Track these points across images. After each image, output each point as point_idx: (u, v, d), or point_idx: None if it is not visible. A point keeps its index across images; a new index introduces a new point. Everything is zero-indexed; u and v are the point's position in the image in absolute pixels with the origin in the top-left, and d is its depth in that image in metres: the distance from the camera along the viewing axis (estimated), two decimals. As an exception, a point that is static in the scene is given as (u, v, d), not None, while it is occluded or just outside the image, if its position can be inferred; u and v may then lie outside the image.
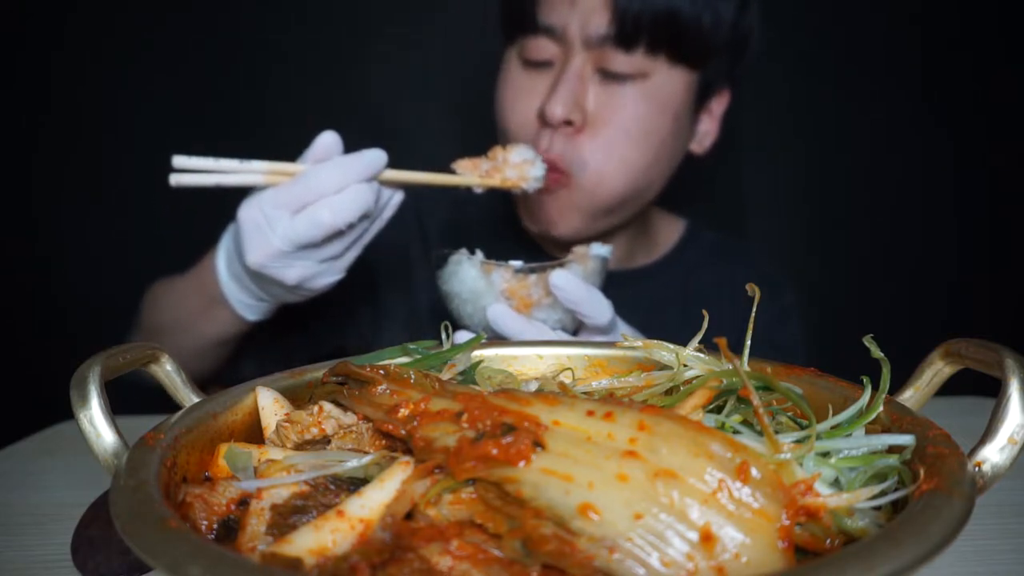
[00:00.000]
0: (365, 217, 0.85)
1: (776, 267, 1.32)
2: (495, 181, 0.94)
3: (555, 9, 1.02)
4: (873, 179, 1.71)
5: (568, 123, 1.01)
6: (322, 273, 0.86)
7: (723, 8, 1.03)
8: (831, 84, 1.66)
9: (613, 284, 1.15)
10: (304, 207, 0.80)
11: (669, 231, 1.30)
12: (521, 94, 1.07)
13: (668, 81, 1.03)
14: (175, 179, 0.83)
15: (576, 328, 0.90)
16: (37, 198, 1.65)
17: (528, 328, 0.83)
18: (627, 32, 0.98)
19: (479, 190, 0.95)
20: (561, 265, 0.88)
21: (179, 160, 0.84)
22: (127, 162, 1.62)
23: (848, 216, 1.72)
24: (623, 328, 0.91)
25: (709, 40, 1.03)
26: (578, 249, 0.91)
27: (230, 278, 0.94)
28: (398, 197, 0.91)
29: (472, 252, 0.92)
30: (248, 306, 0.96)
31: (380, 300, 1.23)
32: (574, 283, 0.82)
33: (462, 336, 0.84)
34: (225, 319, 0.98)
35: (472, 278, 0.88)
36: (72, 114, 1.61)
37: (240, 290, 0.94)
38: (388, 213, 0.91)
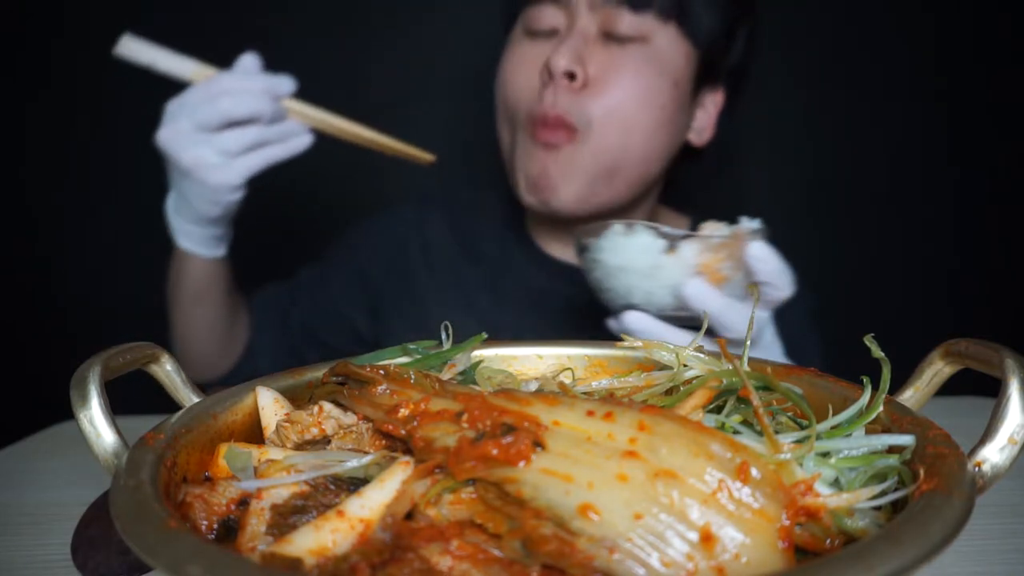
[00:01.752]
0: (259, 123, 0.96)
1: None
2: (396, 145, 1.02)
3: None
4: (873, 178, 1.70)
5: (571, 77, 1.01)
6: (216, 166, 0.96)
7: None
8: (832, 84, 1.66)
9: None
10: (212, 99, 0.94)
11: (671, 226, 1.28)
12: (524, 62, 1.08)
13: (669, 48, 1.05)
14: (122, 46, 0.96)
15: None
16: (37, 198, 1.65)
17: (727, 310, 0.77)
18: None
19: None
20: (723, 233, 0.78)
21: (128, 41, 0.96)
22: (127, 162, 1.62)
23: (848, 216, 1.72)
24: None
25: (717, 11, 1.05)
26: (709, 224, 0.80)
27: (175, 213, 1.04)
28: (307, 139, 1.00)
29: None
30: (190, 235, 1.05)
31: (384, 316, 1.24)
32: (770, 253, 0.77)
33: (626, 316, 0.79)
34: (189, 269, 1.08)
35: (652, 250, 0.76)
36: (72, 114, 1.61)
37: (183, 221, 1.04)
38: (293, 144, 1.00)
